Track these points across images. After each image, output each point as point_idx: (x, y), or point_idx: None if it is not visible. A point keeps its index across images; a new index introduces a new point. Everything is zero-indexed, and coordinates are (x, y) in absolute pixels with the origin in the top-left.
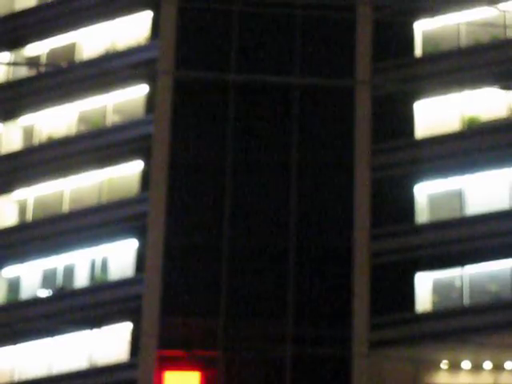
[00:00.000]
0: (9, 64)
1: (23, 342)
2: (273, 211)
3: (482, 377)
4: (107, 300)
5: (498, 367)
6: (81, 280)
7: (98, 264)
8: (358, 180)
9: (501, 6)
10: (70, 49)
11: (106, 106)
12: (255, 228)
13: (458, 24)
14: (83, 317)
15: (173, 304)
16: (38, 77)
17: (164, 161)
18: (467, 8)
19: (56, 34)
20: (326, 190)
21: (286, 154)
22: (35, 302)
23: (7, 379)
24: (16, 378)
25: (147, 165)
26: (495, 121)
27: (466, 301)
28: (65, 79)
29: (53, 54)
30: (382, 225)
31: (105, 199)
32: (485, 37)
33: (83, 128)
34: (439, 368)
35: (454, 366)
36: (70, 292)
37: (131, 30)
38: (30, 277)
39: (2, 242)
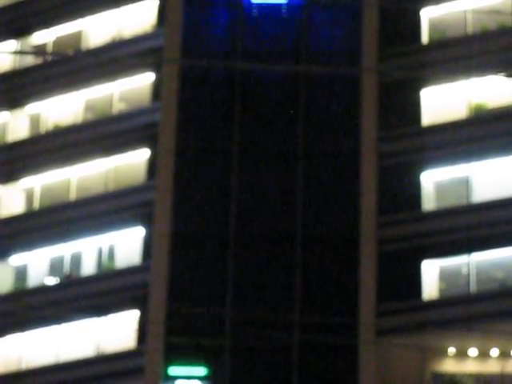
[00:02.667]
0: (15, 52)
1: (30, 329)
2: (279, 199)
3: (489, 364)
4: (114, 288)
5: (505, 354)
6: (88, 268)
7: (105, 252)
8: (365, 168)
9: None
10: (77, 37)
11: (112, 94)
12: (262, 216)
13: (465, 11)
14: (90, 304)
15: (180, 292)
16: (45, 65)
17: (170, 148)
18: None
19: (62, 22)
20: (333, 178)
21: (292, 142)
22: (42, 289)
23: (15, 367)
24: (23, 365)
25: (154, 153)
26: (502, 108)
27: (473, 288)
28: (71, 67)
29: (59, 42)
30: (388, 212)
31: (111, 187)
32: (491, 24)
33: (90, 116)
34: (446, 355)
35: (461, 354)
36: (77, 280)
37: (137, 18)
38: (38, 265)
39: (10, 230)
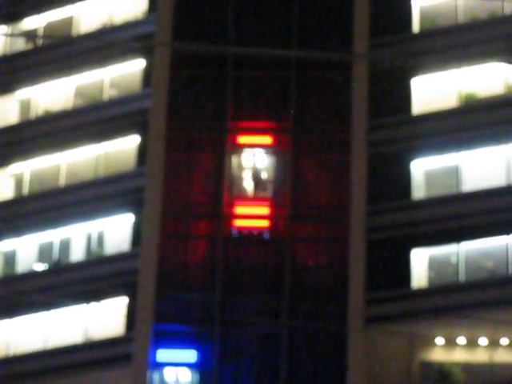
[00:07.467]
0: (6, 35)
1: (19, 315)
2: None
3: (478, 353)
4: (103, 274)
5: (494, 343)
6: (77, 254)
7: (95, 238)
8: (355, 156)
9: None
10: (68, 22)
11: (103, 80)
12: None
13: (456, 0)
14: (79, 291)
15: (169, 278)
16: (35, 50)
17: (161, 135)
18: None
19: (53, 8)
20: (323, 165)
21: (283, 121)
22: (31, 275)
23: (2, 352)
24: (11, 351)
25: (144, 139)
26: (492, 97)
27: (462, 277)
28: (62, 53)
29: (50, 27)
30: (378, 201)
31: (101, 173)
32: (482, 13)
33: (80, 102)
34: (434, 344)
35: (450, 342)
36: (66, 266)
37: (129, 3)
38: (26, 250)
39: None
